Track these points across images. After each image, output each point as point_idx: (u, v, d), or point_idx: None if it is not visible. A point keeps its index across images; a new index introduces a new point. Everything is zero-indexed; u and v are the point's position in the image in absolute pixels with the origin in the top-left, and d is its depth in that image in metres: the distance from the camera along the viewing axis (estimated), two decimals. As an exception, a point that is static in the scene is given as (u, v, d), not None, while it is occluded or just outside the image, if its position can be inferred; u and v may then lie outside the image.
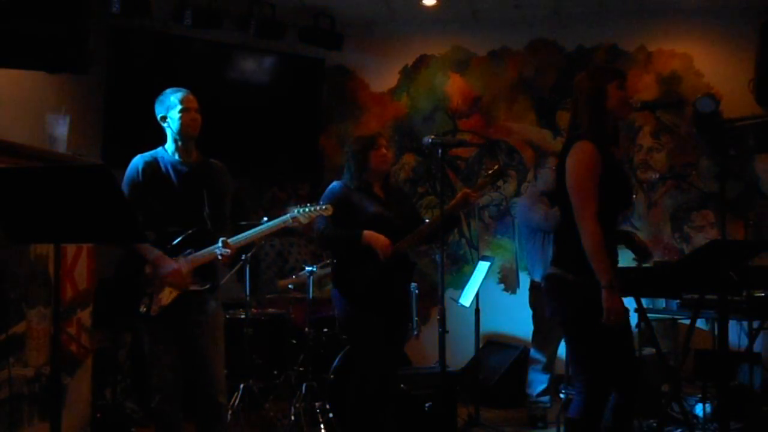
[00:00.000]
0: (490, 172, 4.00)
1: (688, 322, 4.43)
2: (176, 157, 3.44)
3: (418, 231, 3.90)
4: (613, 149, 3.15)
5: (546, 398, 5.09)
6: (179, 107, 3.38)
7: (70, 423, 3.96)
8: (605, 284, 2.90)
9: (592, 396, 3.03)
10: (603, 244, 2.91)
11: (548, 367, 5.05)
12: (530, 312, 5.15)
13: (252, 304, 5.03)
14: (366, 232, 3.80)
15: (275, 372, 5.11)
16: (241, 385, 4.76)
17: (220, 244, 3.33)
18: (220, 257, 3.34)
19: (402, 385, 4.34)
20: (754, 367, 4.75)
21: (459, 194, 3.92)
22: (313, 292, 4.91)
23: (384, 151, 3.99)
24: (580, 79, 3.15)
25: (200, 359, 3.37)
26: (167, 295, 3.30)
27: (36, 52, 3.74)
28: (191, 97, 3.43)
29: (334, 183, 4.01)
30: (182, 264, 3.32)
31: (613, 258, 3.11)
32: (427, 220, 4.14)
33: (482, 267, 5.06)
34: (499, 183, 6.28)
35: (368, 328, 3.82)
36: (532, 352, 5.14)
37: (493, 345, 6.03)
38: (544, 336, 5.03)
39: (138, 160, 3.42)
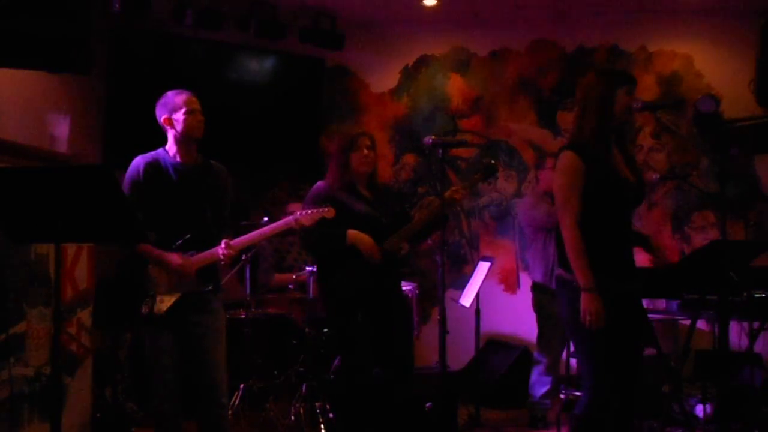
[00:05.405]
0: (481, 166, 3.99)
1: (688, 322, 4.44)
2: (177, 158, 3.43)
3: (403, 230, 3.87)
4: (615, 150, 3.14)
5: (547, 400, 5.08)
6: (184, 109, 3.37)
7: (70, 423, 3.96)
8: (584, 286, 2.96)
9: (594, 395, 3.04)
10: (582, 249, 2.99)
11: (551, 369, 5.04)
12: (531, 312, 5.13)
13: (252, 304, 5.04)
14: (351, 232, 3.77)
15: (275, 372, 5.10)
16: (241, 385, 4.77)
17: (222, 245, 3.33)
18: (222, 258, 3.34)
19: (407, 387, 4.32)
20: (755, 368, 4.75)
21: (445, 193, 3.88)
22: (312, 292, 4.91)
23: (365, 152, 3.92)
24: (588, 82, 3.11)
25: (202, 360, 3.36)
26: (169, 297, 3.30)
27: (37, 52, 3.74)
28: (195, 98, 3.43)
29: (319, 183, 3.98)
30: (186, 261, 3.32)
31: (628, 259, 3.13)
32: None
33: (482, 267, 5.06)
34: (494, 180, 6.29)
35: (354, 330, 3.80)
36: (536, 354, 5.12)
37: (494, 345, 6.02)
38: (547, 338, 5.00)
39: (139, 161, 3.41)
